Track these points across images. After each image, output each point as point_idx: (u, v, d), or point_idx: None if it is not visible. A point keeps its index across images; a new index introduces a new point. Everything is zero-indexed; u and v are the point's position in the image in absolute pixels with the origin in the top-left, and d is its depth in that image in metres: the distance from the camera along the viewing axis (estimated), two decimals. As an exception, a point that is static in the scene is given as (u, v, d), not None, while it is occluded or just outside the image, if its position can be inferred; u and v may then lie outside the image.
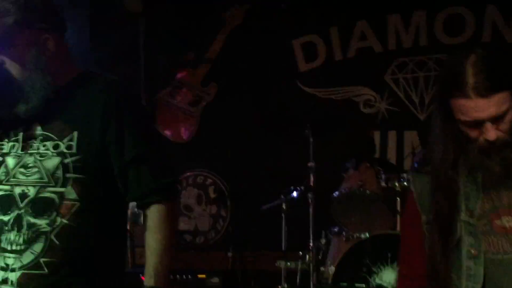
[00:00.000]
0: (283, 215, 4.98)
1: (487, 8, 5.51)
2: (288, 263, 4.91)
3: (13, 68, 2.23)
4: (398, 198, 4.43)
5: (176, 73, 6.27)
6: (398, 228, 4.39)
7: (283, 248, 5.00)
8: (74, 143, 2.19)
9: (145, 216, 2.28)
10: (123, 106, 2.27)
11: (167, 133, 6.17)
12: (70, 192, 2.17)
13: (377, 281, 4.10)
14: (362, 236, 4.26)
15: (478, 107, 1.79)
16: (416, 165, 4.38)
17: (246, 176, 5.96)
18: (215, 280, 5.13)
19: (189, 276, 5.10)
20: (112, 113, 2.23)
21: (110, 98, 2.26)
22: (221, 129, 6.05)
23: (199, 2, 6.10)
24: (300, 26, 6.01)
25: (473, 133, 1.84)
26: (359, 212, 4.57)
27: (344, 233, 4.57)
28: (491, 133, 1.81)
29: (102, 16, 6.05)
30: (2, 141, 2.29)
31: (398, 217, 4.45)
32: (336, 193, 4.58)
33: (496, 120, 1.81)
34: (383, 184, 4.47)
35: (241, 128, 6.00)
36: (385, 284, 4.07)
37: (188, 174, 6.14)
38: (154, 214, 2.24)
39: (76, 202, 2.17)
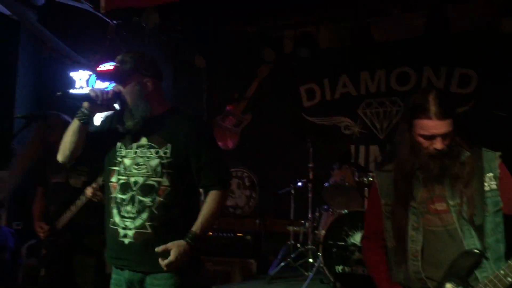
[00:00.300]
0: (292, 197, 4.97)
1: (424, 67, 5.44)
2: (295, 228, 4.91)
3: (126, 96, 2.26)
4: (366, 188, 4.37)
5: (226, 106, 6.25)
6: (365, 206, 4.35)
7: (291, 218, 4.98)
8: (168, 151, 2.21)
9: (206, 196, 2.28)
10: (200, 131, 2.29)
11: (219, 144, 6.09)
12: (165, 181, 2.18)
13: (352, 240, 4.02)
14: (343, 212, 4.18)
15: (436, 126, 1.78)
16: (377, 166, 4.37)
17: (268, 172, 5.93)
18: (248, 237, 5.09)
19: (232, 234, 5.10)
20: (193, 135, 2.25)
21: (192, 125, 2.29)
22: (254, 142, 6.05)
23: (241, 62, 6.09)
24: (305, 78, 5.96)
25: (426, 143, 1.82)
26: (341, 196, 4.49)
27: (330, 209, 4.53)
28: (439, 144, 1.79)
29: (180, 69, 6.06)
30: (121, 148, 2.31)
31: (366, 200, 4.37)
32: (326, 184, 4.52)
33: (444, 136, 1.79)
34: (356, 179, 4.39)
35: (266, 142, 5.95)
36: (356, 243, 4.00)
37: (232, 170, 6.06)
38: (211, 196, 2.26)
39: (168, 187, 2.19)
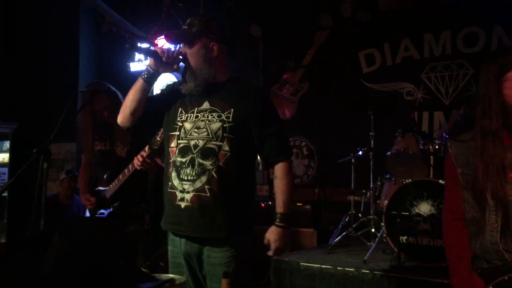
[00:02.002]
0: (352, 166, 4.86)
1: (494, 27, 5.09)
2: (355, 197, 4.81)
3: (190, 58, 2.25)
4: (431, 156, 4.16)
5: (283, 75, 6.13)
6: (431, 176, 4.15)
7: (352, 187, 4.88)
8: (231, 115, 2.20)
9: (274, 169, 2.26)
10: (263, 101, 2.28)
11: (277, 113, 6.06)
12: (225, 145, 2.18)
13: (416, 210, 3.87)
14: (406, 181, 4.03)
15: None
16: (445, 134, 4.16)
17: (327, 140, 5.82)
18: (307, 206, 5.08)
19: (291, 204, 5.08)
20: (256, 105, 2.23)
21: (255, 95, 2.27)
22: (311, 111, 5.92)
23: (298, 29, 5.93)
24: (364, 43, 5.74)
25: None
26: (404, 165, 4.31)
27: (393, 178, 4.40)
28: None
29: (236, 38, 5.98)
30: (181, 113, 2.30)
31: (431, 169, 4.17)
32: (388, 153, 4.35)
33: None
34: (421, 147, 4.19)
35: (324, 110, 5.82)
36: (421, 213, 3.85)
37: (290, 139, 5.96)
38: (280, 168, 2.24)
39: (228, 152, 2.18)
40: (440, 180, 3.83)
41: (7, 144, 6.92)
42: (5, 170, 6.75)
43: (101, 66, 6.94)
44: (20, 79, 6.98)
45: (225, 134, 2.17)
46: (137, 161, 3.11)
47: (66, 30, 6.74)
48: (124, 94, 3.47)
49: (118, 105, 3.41)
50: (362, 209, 4.76)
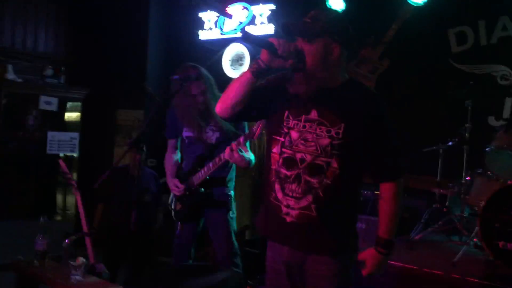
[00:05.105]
0: (439, 157, 4.44)
1: None
2: (441, 190, 4.42)
3: (308, 57, 2.01)
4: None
5: (360, 51, 5.63)
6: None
7: (437, 179, 4.46)
8: (341, 132, 2.02)
9: (380, 188, 2.12)
10: (379, 114, 2.07)
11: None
12: (334, 163, 2.02)
13: (518, 215, 3.46)
14: (509, 181, 3.60)
15: None
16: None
17: (405, 124, 5.27)
18: None
19: (368, 192, 4.69)
20: (371, 118, 2.03)
21: (370, 105, 2.06)
22: (390, 91, 5.41)
23: (381, 1, 5.39)
24: (455, 20, 5.12)
25: None
26: (505, 163, 3.85)
27: (487, 175, 3.98)
28: None
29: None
30: (288, 118, 2.11)
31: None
32: (488, 149, 3.91)
33: None
34: (528, 145, 3.72)
35: (405, 90, 5.30)
36: (526, 218, 3.41)
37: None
38: (387, 189, 2.10)
39: (337, 170, 2.03)
40: (550, 185, 3.36)
41: (78, 105, 6.93)
42: (76, 135, 6.72)
43: (170, 34, 6.68)
44: (93, 47, 6.87)
45: (334, 151, 2.02)
46: (228, 153, 2.99)
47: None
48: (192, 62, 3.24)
49: (213, 90, 3.23)
50: (447, 202, 4.38)
